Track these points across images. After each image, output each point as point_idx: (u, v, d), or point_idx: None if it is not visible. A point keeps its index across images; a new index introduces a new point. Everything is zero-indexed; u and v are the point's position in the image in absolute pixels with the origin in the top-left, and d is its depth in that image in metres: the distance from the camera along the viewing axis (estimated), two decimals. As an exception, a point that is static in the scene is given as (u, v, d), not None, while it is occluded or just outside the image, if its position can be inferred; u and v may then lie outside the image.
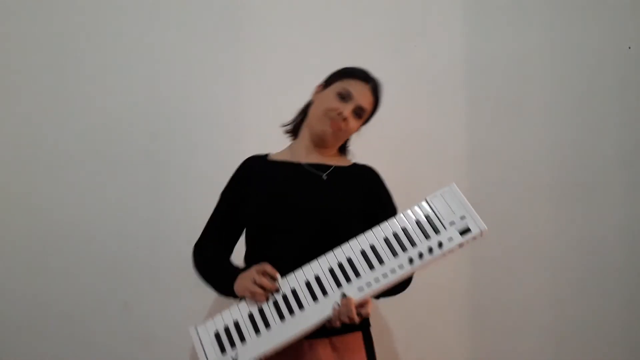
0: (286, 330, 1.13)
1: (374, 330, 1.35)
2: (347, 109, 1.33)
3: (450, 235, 1.17)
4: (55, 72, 1.83)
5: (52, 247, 1.82)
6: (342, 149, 1.48)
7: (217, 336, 1.15)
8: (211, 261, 1.35)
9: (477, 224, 1.19)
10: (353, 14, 1.97)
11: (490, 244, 2.00)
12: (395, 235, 1.18)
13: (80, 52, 1.86)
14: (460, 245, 1.17)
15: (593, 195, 2.01)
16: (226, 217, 1.39)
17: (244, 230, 1.38)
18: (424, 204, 1.21)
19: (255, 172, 1.40)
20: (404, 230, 1.19)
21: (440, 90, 1.99)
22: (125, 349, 1.80)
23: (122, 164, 1.86)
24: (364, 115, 1.39)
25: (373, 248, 1.18)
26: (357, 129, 1.43)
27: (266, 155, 1.44)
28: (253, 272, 1.19)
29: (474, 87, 2.00)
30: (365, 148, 1.96)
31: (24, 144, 1.83)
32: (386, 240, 1.18)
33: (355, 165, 1.44)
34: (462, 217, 1.19)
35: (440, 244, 1.16)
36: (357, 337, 1.28)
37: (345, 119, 1.33)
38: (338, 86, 1.36)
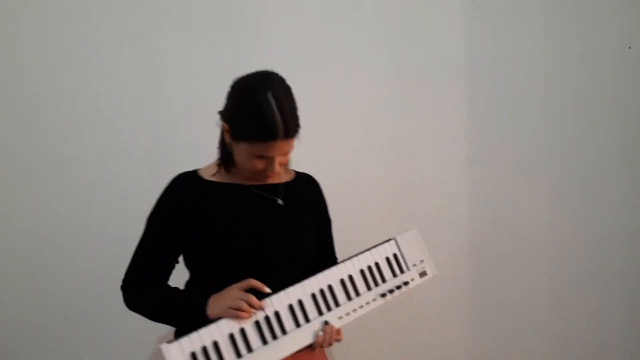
0: (268, 356, 1.10)
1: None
2: (273, 165, 1.18)
3: (412, 277, 1.29)
4: (55, 72, 1.83)
5: (53, 247, 1.81)
6: None
7: (194, 356, 1.06)
8: (157, 292, 1.20)
9: (431, 269, 1.33)
10: (353, 14, 1.97)
11: (490, 243, 2.01)
12: (369, 269, 1.25)
13: (80, 51, 1.85)
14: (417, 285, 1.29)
15: (593, 195, 2.01)
16: (161, 247, 1.22)
17: (182, 257, 1.26)
18: (393, 243, 1.29)
19: (196, 194, 1.23)
20: (377, 265, 1.25)
21: (440, 90, 1.99)
22: (126, 351, 1.80)
23: (122, 164, 1.86)
24: (289, 152, 1.24)
25: (350, 279, 1.22)
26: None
27: (196, 172, 1.29)
28: (235, 289, 1.12)
29: (474, 87, 2.00)
30: (365, 148, 1.97)
31: (24, 144, 1.83)
32: (362, 273, 1.23)
33: (298, 175, 1.37)
34: (421, 261, 1.32)
35: (405, 283, 1.26)
36: (321, 353, 1.30)
37: (275, 172, 1.21)
38: (250, 150, 1.16)
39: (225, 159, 1.26)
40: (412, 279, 1.28)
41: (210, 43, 1.91)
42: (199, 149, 1.91)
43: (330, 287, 1.20)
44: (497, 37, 2.01)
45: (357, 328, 1.91)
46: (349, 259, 1.24)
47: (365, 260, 1.25)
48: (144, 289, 1.22)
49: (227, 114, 1.20)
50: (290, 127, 1.18)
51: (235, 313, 1.09)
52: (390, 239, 1.29)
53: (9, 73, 1.82)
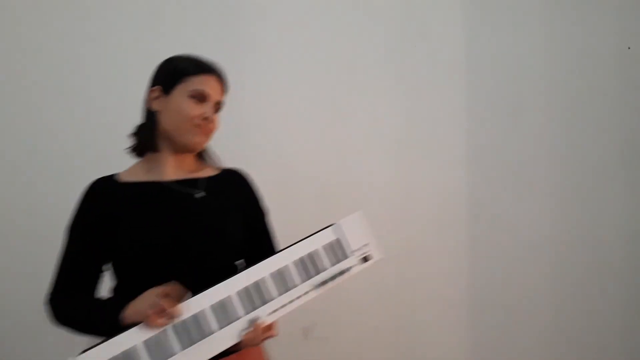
0: (192, 357, 1.06)
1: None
2: (209, 111, 1.20)
3: (354, 262, 1.22)
4: (54, 72, 1.83)
5: (53, 247, 1.81)
6: (201, 156, 1.32)
7: None
8: (85, 302, 1.16)
9: (377, 252, 1.25)
10: (353, 14, 1.97)
11: (490, 243, 2.01)
12: (306, 258, 1.19)
13: (80, 51, 1.85)
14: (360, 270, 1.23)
15: (593, 195, 2.01)
16: (85, 256, 1.18)
17: (109, 265, 1.21)
18: (333, 228, 1.23)
19: (112, 198, 1.20)
20: (315, 253, 1.20)
21: (440, 90, 1.99)
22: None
23: (122, 164, 1.85)
24: (221, 107, 1.26)
25: (285, 270, 1.17)
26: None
27: (113, 176, 1.26)
28: (152, 294, 1.07)
29: (474, 87, 2.00)
30: (364, 148, 1.97)
31: (24, 144, 1.82)
32: (297, 263, 1.18)
33: (225, 170, 1.32)
34: (365, 245, 1.24)
35: (345, 270, 1.21)
36: (258, 350, 1.26)
37: (212, 121, 1.21)
38: (186, 88, 1.19)
39: (148, 139, 1.25)
40: (355, 265, 1.22)
41: (210, 43, 1.90)
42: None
43: (261, 281, 1.14)
44: (497, 37, 2.01)
45: (357, 328, 1.91)
46: (284, 249, 1.19)
47: (302, 250, 1.19)
48: (72, 301, 1.17)
49: (156, 77, 1.25)
50: (217, 70, 1.23)
51: (148, 319, 1.04)
52: (330, 225, 1.23)
53: (9, 73, 1.81)
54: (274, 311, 1.13)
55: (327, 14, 1.96)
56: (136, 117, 1.93)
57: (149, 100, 1.25)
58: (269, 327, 1.13)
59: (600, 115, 2.03)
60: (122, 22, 1.87)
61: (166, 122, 1.22)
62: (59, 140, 1.83)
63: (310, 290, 1.17)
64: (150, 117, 1.25)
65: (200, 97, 1.19)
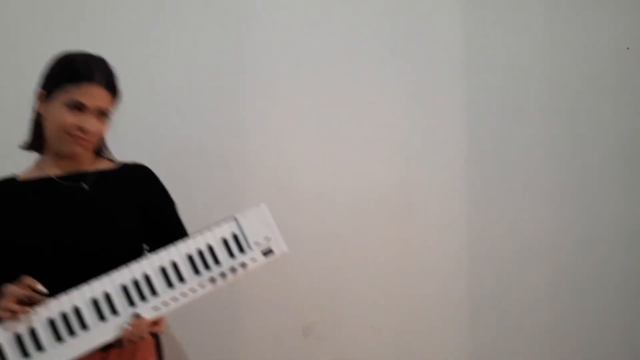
0: (65, 352, 1.05)
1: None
2: (86, 121, 1.16)
3: (253, 256, 1.19)
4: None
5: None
6: (99, 150, 1.31)
7: None
8: None
9: (279, 246, 1.21)
10: (353, 14, 1.97)
11: (490, 243, 2.01)
12: (200, 253, 1.16)
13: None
14: (262, 264, 1.20)
15: (593, 195, 2.02)
16: None
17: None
18: (232, 222, 1.20)
19: (8, 198, 1.20)
20: (209, 247, 1.17)
21: (440, 90, 2.00)
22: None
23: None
24: (109, 111, 1.22)
25: (174, 265, 1.14)
26: (108, 126, 1.26)
27: (15, 177, 1.25)
28: (11, 287, 1.05)
29: (474, 87, 2.00)
30: (364, 148, 1.97)
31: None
32: (189, 257, 1.15)
33: (124, 166, 1.30)
34: (267, 238, 1.20)
35: (243, 264, 1.17)
36: (149, 342, 1.24)
37: (88, 132, 1.17)
38: (63, 96, 1.16)
39: (36, 139, 1.25)
40: (254, 259, 1.18)
41: (209, 43, 1.91)
42: (199, 149, 1.93)
43: (144, 276, 1.11)
44: (497, 37, 2.02)
45: (357, 328, 1.91)
46: (177, 243, 1.16)
47: (196, 243, 1.16)
48: None
49: (43, 78, 1.22)
50: (107, 78, 1.19)
51: (7, 314, 1.03)
52: (230, 218, 1.20)
53: (9, 73, 1.81)
54: (159, 306, 1.11)
55: (327, 13, 1.96)
56: (136, 117, 1.90)
57: (36, 102, 1.24)
58: (155, 323, 1.11)
59: (600, 115, 2.03)
60: (122, 22, 1.87)
61: (46, 127, 1.21)
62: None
63: (201, 286, 1.14)
64: (37, 119, 1.25)
65: (77, 107, 1.16)
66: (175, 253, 1.15)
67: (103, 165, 1.27)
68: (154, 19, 1.88)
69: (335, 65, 1.94)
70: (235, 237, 1.19)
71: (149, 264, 1.13)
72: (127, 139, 1.86)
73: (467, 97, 2.00)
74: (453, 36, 2.01)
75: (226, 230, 1.19)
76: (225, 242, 1.18)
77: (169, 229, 1.30)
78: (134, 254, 1.19)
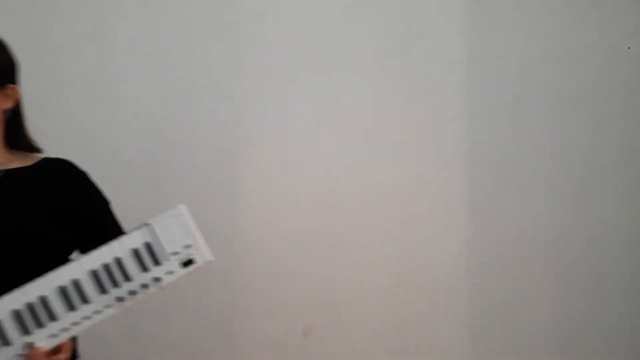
0: None
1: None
2: None
3: (170, 268, 1.02)
4: (53, 72, 1.83)
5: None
6: (18, 145, 1.17)
7: None
8: None
9: (202, 254, 1.03)
10: (352, 14, 1.97)
11: (490, 244, 2.01)
12: (106, 267, 1.00)
13: (79, 51, 1.85)
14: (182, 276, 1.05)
15: (593, 195, 2.01)
16: None
17: None
18: (144, 229, 1.03)
19: None
20: (118, 261, 1.00)
21: (440, 90, 1.99)
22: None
23: (121, 164, 1.85)
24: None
25: (76, 284, 0.98)
26: (3, 104, 1.12)
27: None
28: None
29: (475, 87, 2.00)
30: (364, 148, 1.97)
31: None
32: (93, 274, 0.99)
33: (43, 161, 1.16)
34: (187, 246, 1.03)
35: (157, 279, 1.01)
36: None
37: None
38: None
39: None
40: (170, 272, 1.02)
41: (210, 42, 1.91)
42: (199, 149, 1.93)
43: (40, 299, 0.96)
44: (497, 37, 2.01)
45: (357, 328, 1.91)
46: (81, 258, 1.02)
47: (102, 257, 1.00)
48: None
49: None
50: None
51: None
52: (142, 225, 1.03)
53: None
54: (54, 334, 0.97)
55: (326, 13, 1.96)
56: (135, 117, 1.91)
57: None
58: (56, 351, 0.97)
59: (601, 115, 2.03)
60: (121, 22, 1.87)
61: None
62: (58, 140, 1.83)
63: (108, 307, 0.99)
64: None
65: None
66: (77, 270, 0.99)
67: (17, 163, 1.13)
68: (153, 18, 1.88)
69: (335, 65, 1.94)
70: (149, 247, 1.02)
71: (46, 284, 0.97)
72: (127, 139, 1.87)
73: (468, 97, 2.00)
74: (454, 36, 2.00)
75: (137, 240, 1.02)
76: (137, 254, 1.01)
77: (99, 232, 1.13)
78: (45, 268, 1.02)
